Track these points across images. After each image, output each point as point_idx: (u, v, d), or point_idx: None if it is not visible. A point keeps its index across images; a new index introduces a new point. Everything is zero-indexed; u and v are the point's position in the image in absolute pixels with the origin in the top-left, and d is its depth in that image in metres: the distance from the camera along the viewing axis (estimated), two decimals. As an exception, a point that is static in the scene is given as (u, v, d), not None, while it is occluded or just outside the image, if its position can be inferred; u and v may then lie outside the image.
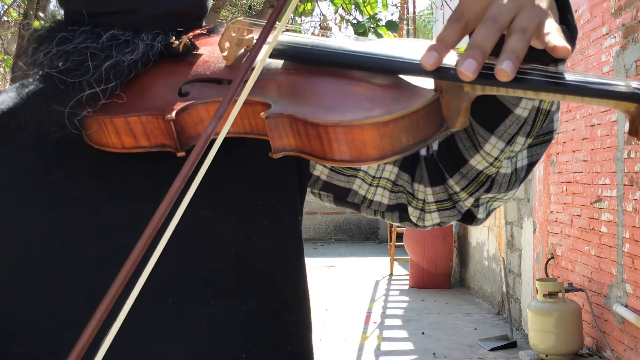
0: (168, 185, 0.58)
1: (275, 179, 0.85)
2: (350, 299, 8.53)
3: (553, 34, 0.61)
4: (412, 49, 0.71)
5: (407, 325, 7.11)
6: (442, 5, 5.02)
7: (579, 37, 5.71)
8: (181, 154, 0.71)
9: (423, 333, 6.66)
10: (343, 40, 0.76)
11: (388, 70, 0.69)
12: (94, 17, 0.78)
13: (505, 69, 0.58)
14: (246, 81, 0.62)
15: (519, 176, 0.89)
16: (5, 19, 4.46)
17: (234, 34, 0.76)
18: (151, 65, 0.76)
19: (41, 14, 3.28)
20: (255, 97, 0.69)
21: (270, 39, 0.64)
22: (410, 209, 0.96)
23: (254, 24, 0.78)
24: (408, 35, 10.61)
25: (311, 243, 14.31)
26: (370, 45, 0.74)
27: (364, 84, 0.70)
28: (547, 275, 5.99)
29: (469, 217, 0.95)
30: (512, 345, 6.15)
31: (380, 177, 0.95)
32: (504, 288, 7.14)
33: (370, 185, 0.95)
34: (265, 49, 0.64)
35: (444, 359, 5.82)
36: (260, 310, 0.82)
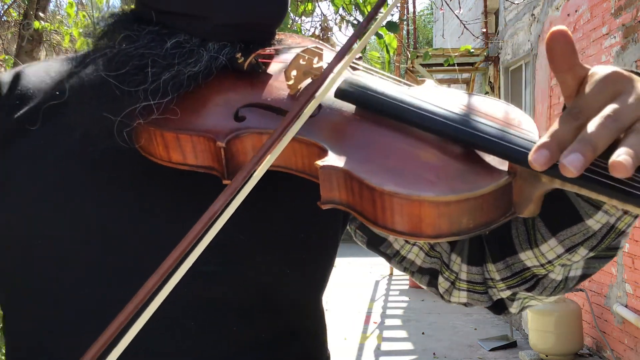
0: (208, 204, 0.56)
1: (320, 214, 0.77)
2: (350, 299, 8.53)
3: None
4: (490, 116, 0.65)
5: (407, 325, 7.11)
6: (442, 5, 5.02)
7: (579, 37, 5.73)
8: (227, 181, 0.67)
9: (423, 333, 6.66)
10: (420, 94, 0.69)
11: (465, 143, 0.62)
12: (162, 14, 0.73)
13: (622, 161, 0.49)
14: (298, 116, 0.58)
15: (568, 285, 0.81)
16: (5, 19, 4.46)
17: (302, 62, 0.71)
18: (211, 78, 0.71)
19: (41, 14, 3.28)
20: (313, 139, 0.65)
21: (335, 72, 0.60)
22: (441, 279, 0.90)
23: (326, 53, 0.74)
24: (408, 35, 10.59)
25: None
26: (446, 105, 0.66)
27: (432, 150, 0.63)
28: (547, 275, 5.99)
29: (500, 307, 0.88)
30: (512, 345, 6.15)
31: None
32: (504, 288, 7.14)
33: (407, 242, 0.89)
34: (326, 84, 0.60)
35: (444, 359, 5.82)
36: (283, 334, 0.78)
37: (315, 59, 0.72)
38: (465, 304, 0.90)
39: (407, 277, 10.66)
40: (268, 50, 0.75)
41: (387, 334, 6.83)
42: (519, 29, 7.53)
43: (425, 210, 0.58)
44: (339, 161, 0.62)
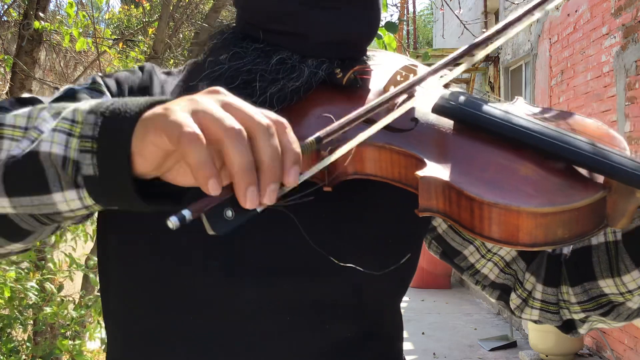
0: (306, 210, 0.64)
1: (409, 223, 0.84)
2: (350, 299, 8.52)
3: None
4: (582, 130, 0.68)
5: (407, 325, 7.10)
6: (442, 5, 5.02)
7: (579, 37, 5.73)
8: (327, 188, 0.72)
9: (423, 333, 6.66)
10: (515, 110, 0.73)
11: (562, 158, 0.65)
12: (266, 33, 0.79)
13: None
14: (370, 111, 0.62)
15: None
16: (6, 19, 4.46)
17: (400, 79, 0.75)
18: (311, 91, 0.76)
19: (41, 14, 3.27)
20: (411, 151, 0.68)
21: (422, 86, 0.64)
22: (513, 295, 0.93)
23: (420, 70, 0.77)
24: (408, 35, 10.59)
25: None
26: (541, 121, 0.70)
27: (530, 164, 0.66)
28: (547, 275, 5.99)
29: (569, 327, 0.91)
30: (512, 345, 6.15)
31: (495, 253, 0.92)
32: (504, 288, 7.14)
33: (482, 257, 0.93)
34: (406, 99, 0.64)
35: (444, 359, 5.82)
36: (367, 333, 0.82)
37: (411, 76, 0.76)
38: (535, 321, 0.94)
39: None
40: (366, 68, 0.80)
41: (387, 334, 6.83)
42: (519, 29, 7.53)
43: (523, 220, 0.61)
44: (438, 172, 0.65)
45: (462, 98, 0.73)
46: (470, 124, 0.71)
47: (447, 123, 0.73)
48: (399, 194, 0.72)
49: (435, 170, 0.66)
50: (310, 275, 0.77)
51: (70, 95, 0.75)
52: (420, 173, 0.65)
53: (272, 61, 0.76)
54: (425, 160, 0.67)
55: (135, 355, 0.80)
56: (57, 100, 0.74)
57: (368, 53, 0.86)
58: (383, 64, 0.84)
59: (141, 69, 0.87)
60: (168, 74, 0.88)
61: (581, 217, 0.62)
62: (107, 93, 0.80)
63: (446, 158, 0.68)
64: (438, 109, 0.72)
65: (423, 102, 0.75)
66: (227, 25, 0.85)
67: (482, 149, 0.69)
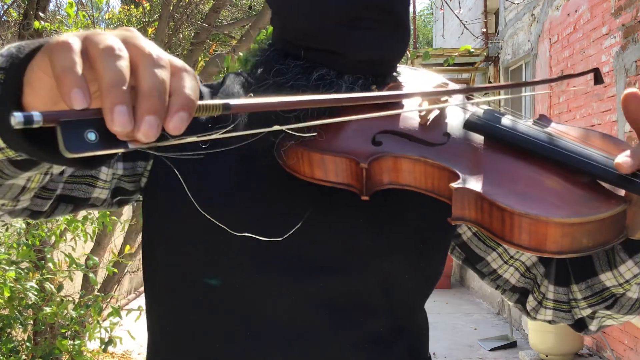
0: (343, 213, 0.76)
1: (438, 229, 0.90)
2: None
3: None
4: (604, 147, 0.74)
5: (407, 325, 7.10)
6: (442, 5, 5.02)
7: (579, 37, 5.73)
8: (365, 198, 0.77)
9: (423, 333, 6.66)
10: (542, 127, 0.79)
11: (586, 173, 0.71)
12: (306, 50, 0.84)
13: None
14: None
15: None
16: (6, 19, 4.46)
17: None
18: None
19: (41, 14, 3.27)
20: (444, 164, 0.73)
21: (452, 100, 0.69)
22: (530, 297, 0.99)
23: (451, 87, 0.83)
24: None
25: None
26: (568, 137, 0.76)
27: (557, 178, 0.72)
28: (547, 275, 5.99)
29: (581, 325, 0.97)
30: (512, 345, 6.15)
31: (517, 259, 0.98)
32: (504, 288, 7.14)
33: (505, 262, 0.99)
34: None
35: (443, 359, 5.82)
36: (396, 330, 0.89)
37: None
38: (550, 322, 0.99)
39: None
40: (399, 84, 0.86)
41: (387, 334, 6.83)
42: (519, 29, 7.53)
43: (551, 230, 0.66)
44: (471, 184, 0.70)
45: (491, 115, 0.79)
46: (499, 140, 0.76)
47: (477, 138, 0.78)
48: (431, 202, 0.77)
49: (468, 182, 0.71)
50: (342, 273, 0.83)
51: None
52: (454, 185, 0.70)
53: (312, 77, 0.82)
54: (458, 172, 0.72)
55: (172, 350, 0.86)
56: None
57: (398, 69, 0.92)
58: (415, 80, 0.90)
59: None
60: (209, 86, 0.93)
61: (604, 227, 0.67)
62: None
63: (477, 171, 0.73)
64: (469, 125, 0.78)
65: (454, 118, 0.81)
66: (267, 43, 0.91)
67: (511, 163, 0.74)
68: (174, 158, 0.84)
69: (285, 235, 0.81)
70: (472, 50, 5.55)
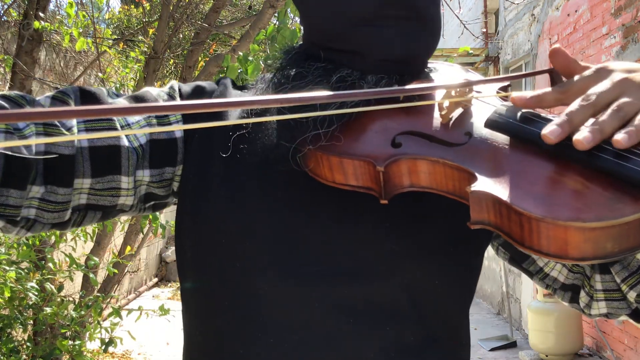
0: (366, 216, 0.74)
1: (467, 231, 0.83)
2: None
3: None
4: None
5: (407, 325, 7.10)
6: (442, 5, 5.02)
7: (579, 37, 5.73)
8: (384, 201, 0.75)
9: (423, 333, 6.66)
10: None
11: (611, 173, 0.65)
12: (327, 51, 0.83)
13: (579, 137, 0.62)
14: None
15: None
16: (5, 19, 4.46)
17: (454, 93, 0.76)
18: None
19: (41, 14, 3.27)
20: (463, 165, 0.70)
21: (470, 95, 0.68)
22: (582, 293, 0.94)
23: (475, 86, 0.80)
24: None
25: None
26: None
27: (580, 178, 0.66)
28: (547, 275, 5.99)
29: (638, 314, 0.91)
30: (512, 345, 6.15)
31: None
32: (504, 288, 7.14)
33: None
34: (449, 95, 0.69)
35: (444, 359, 5.82)
36: (427, 340, 0.84)
37: (467, 90, 0.77)
38: (606, 315, 0.93)
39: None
40: (421, 82, 0.82)
41: (387, 334, 6.83)
42: (519, 29, 7.53)
43: (572, 235, 0.62)
44: (488, 187, 0.67)
45: (513, 112, 0.74)
46: (521, 138, 0.72)
47: (499, 137, 0.74)
48: (459, 204, 0.74)
49: (486, 184, 0.67)
50: (366, 279, 0.80)
51: (148, 97, 0.86)
52: (470, 187, 0.67)
53: (332, 79, 0.80)
54: (477, 174, 0.69)
55: (203, 355, 0.86)
56: (139, 99, 0.85)
57: (430, 65, 0.88)
58: (442, 78, 0.87)
59: (217, 82, 0.93)
60: (242, 88, 0.93)
61: (631, 231, 0.62)
62: (177, 97, 0.88)
63: (497, 172, 0.69)
64: (490, 124, 0.74)
65: (479, 116, 0.77)
66: (294, 45, 0.90)
67: (532, 163, 0.70)
68: (201, 162, 0.84)
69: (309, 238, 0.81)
70: (470, 51, 5.56)
